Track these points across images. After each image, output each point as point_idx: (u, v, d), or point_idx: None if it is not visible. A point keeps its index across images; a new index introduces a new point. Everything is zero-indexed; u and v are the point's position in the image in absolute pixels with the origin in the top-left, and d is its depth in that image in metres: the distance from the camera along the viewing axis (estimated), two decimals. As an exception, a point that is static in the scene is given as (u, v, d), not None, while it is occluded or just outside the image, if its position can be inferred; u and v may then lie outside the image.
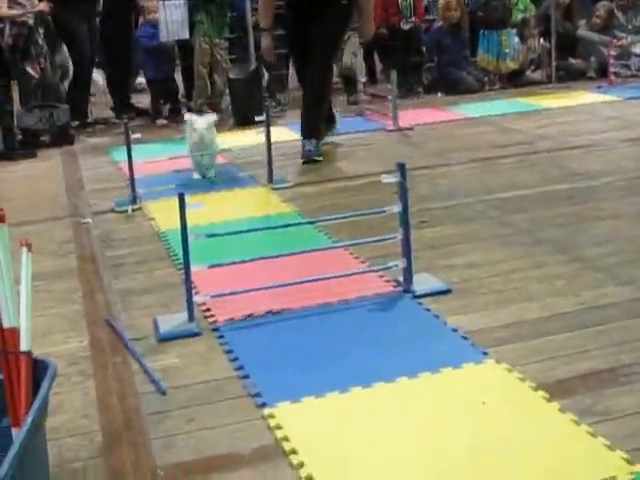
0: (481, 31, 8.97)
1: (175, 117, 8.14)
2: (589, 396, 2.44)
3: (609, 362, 2.64)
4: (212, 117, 5.51)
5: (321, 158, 5.82)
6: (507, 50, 8.86)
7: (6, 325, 2.03)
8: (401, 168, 3.15)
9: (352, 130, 6.94)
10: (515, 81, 8.94)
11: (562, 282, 3.33)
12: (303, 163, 5.78)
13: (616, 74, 8.64)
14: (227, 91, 8.05)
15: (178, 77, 8.49)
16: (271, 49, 6.16)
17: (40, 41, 7.33)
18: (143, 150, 5.81)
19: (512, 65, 8.91)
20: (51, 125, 7.25)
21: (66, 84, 8.05)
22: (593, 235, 3.87)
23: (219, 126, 7.59)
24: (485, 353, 2.74)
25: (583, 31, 9.19)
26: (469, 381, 2.58)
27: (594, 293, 3.20)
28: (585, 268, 3.47)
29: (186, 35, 7.94)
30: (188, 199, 3.04)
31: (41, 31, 7.34)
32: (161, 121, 8.02)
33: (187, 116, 5.61)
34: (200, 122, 5.31)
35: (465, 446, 2.22)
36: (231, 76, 7.82)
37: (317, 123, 5.94)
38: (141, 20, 8.37)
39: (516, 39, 8.93)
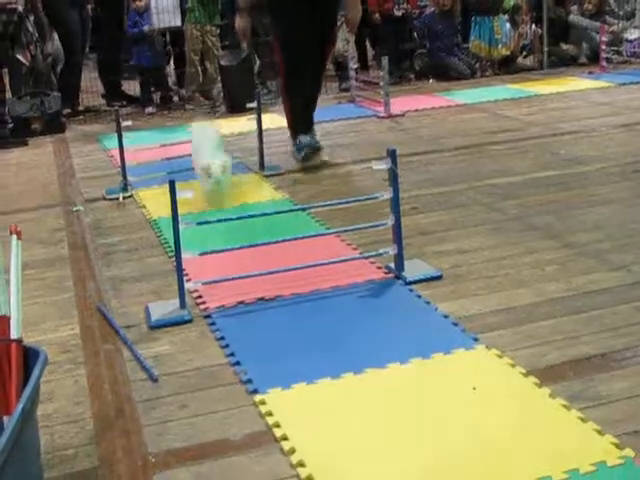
0: (473, 17, 8.96)
1: (166, 105, 8.14)
2: (580, 381, 2.45)
3: (600, 347, 2.65)
4: (228, 160, 4.61)
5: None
6: (499, 36, 8.85)
7: (-4, 313, 2.03)
8: (392, 154, 3.15)
9: (343, 117, 6.95)
10: (507, 67, 8.94)
11: (553, 268, 3.34)
12: (304, 159, 5.33)
13: (608, 60, 8.64)
14: (219, 78, 8.03)
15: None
16: (248, 31, 5.75)
17: (30, 28, 7.29)
18: (134, 138, 5.81)
19: (504, 51, 8.90)
20: (42, 113, 7.22)
21: (58, 71, 8.03)
22: (584, 221, 3.87)
23: (209, 114, 7.65)
24: (476, 339, 2.74)
25: (575, 17, 9.19)
26: (460, 367, 2.59)
27: (585, 279, 3.20)
28: (576, 254, 3.47)
29: (177, 22, 7.92)
30: (179, 186, 3.04)
31: (31, 18, 7.31)
32: (149, 109, 8.00)
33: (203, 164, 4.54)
34: (216, 168, 4.46)
35: (455, 431, 2.23)
36: (222, 63, 7.80)
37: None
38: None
39: (508, 25, 8.93)
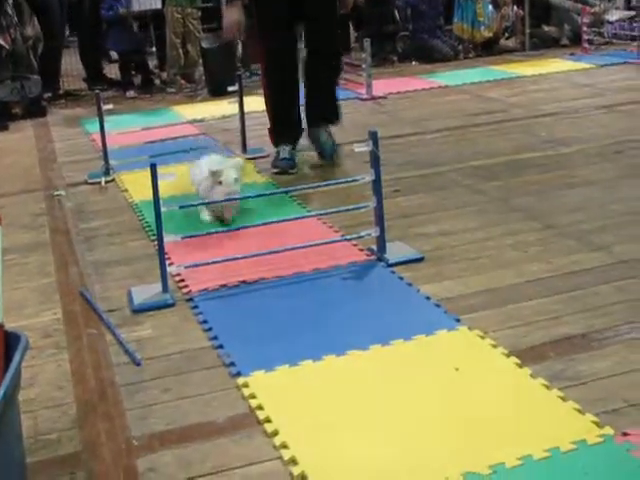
0: (457, 0, 8.95)
1: (147, 88, 8.09)
2: (560, 361, 2.46)
3: (581, 327, 2.67)
4: (239, 162, 3.94)
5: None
6: (482, 19, 8.85)
7: (-23, 298, 2.02)
8: (373, 137, 3.15)
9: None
10: (489, 49, 8.94)
11: (535, 249, 3.36)
12: (277, 173, 4.70)
13: (589, 42, 8.66)
14: (200, 61, 8.00)
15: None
16: (241, 26, 4.69)
17: (10, 11, 7.23)
18: (116, 121, 5.78)
19: (487, 34, 8.90)
20: (23, 97, 7.17)
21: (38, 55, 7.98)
22: (566, 202, 3.89)
23: (192, 97, 7.62)
24: (458, 320, 2.76)
25: (557, -2, 9.19)
26: (442, 348, 2.60)
27: (566, 259, 3.22)
28: (558, 235, 3.49)
29: (158, 4, 7.88)
30: (161, 170, 3.03)
31: (10, 1, 7.24)
32: (130, 92, 7.96)
33: (207, 163, 3.94)
34: (228, 176, 3.73)
35: (437, 412, 2.24)
36: (204, 46, 7.77)
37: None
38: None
39: (490, 7, 8.93)
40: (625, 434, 2.07)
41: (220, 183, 3.68)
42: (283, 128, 4.81)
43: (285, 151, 4.74)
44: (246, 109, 5.22)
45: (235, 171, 3.74)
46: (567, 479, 1.94)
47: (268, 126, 4.91)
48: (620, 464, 1.99)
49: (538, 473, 1.97)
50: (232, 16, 4.62)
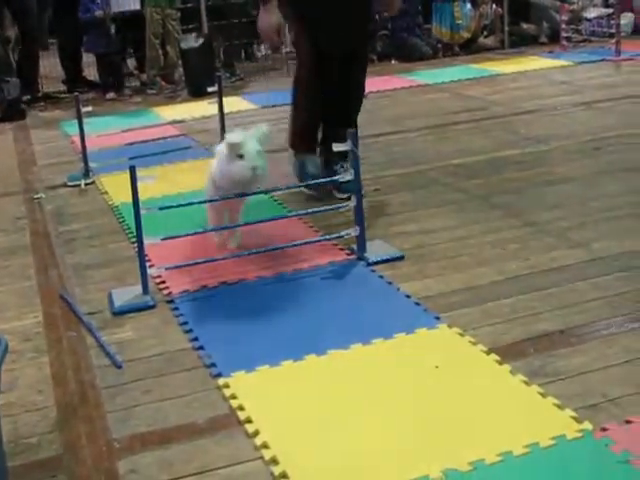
0: (434, 4, 8.97)
1: (122, 91, 8.05)
2: (539, 358, 2.48)
3: (559, 324, 2.69)
4: (262, 131, 3.24)
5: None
6: (460, 22, 8.88)
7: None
8: (352, 136, 3.16)
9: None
10: (468, 47, 8.97)
11: (514, 246, 3.37)
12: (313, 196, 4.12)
13: (568, 39, 8.71)
14: (180, 62, 7.99)
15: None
16: (278, 27, 4.11)
17: (-12, 14, 7.20)
18: (95, 123, 5.77)
19: (466, 35, 8.95)
20: (2, 99, 7.14)
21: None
22: (545, 199, 3.91)
23: (172, 98, 7.61)
24: (438, 318, 2.77)
25: (535, -4, 9.24)
26: (422, 346, 2.61)
27: (545, 257, 3.24)
28: (537, 232, 3.51)
29: (137, 6, 7.86)
30: (140, 172, 3.03)
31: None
32: (110, 94, 7.93)
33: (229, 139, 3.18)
34: (250, 148, 3.12)
35: (418, 409, 2.25)
36: (183, 46, 7.75)
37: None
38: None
39: (468, 6, 8.96)
40: (604, 429, 2.09)
41: (241, 157, 3.09)
42: (313, 134, 4.30)
43: (312, 163, 4.20)
44: (226, 109, 5.20)
45: (258, 142, 3.13)
46: (546, 475, 1.96)
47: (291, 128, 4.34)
48: (599, 459, 2.00)
49: (518, 469, 1.98)
50: (269, 19, 4.05)
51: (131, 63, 8.80)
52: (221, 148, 3.26)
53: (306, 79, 4.15)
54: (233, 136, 3.13)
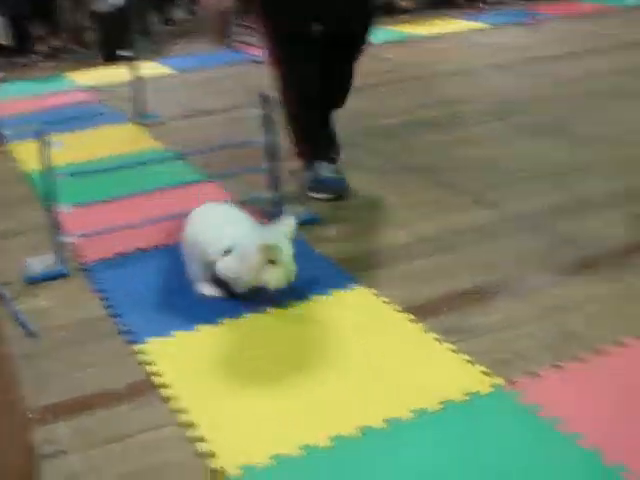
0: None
1: (31, 55, 7.86)
2: (453, 316, 2.53)
3: (472, 282, 2.74)
4: (290, 228, 2.66)
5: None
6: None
7: None
8: (265, 99, 3.15)
9: (220, 63, 6.87)
10: (385, 10, 8.96)
11: (428, 208, 3.41)
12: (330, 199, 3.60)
13: (484, 1, 8.77)
14: (93, 26, 7.82)
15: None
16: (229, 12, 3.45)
17: None
18: (7, 89, 5.63)
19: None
20: None
21: None
22: (459, 160, 3.96)
23: (85, 62, 7.46)
24: (353, 279, 2.80)
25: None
26: (337, 307, 2.64)
27: (459, 217, 3.29)
28: (451, 193, 3.56)
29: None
30: (52, 138, 2.97)
31: None
32: (22, 59, 7.73)
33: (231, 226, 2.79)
34: (284, 253, 2.60)
35: (333, 368, 2.28)
36: (95, 9, 7.59)
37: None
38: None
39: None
40: (513, 383, 2.15)
41: (273, 262, 2.62)
42: (317, 144, 3.77)
43: (329, 169, 3.68)
44: (143, 75, 5.14)
45: (290, 243, 2.65)
46: (460, 429, 2.00)
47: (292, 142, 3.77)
48: (509, 412, 2.06)
49: (432, 425, 2.02)
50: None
51: (43, 29, 8.57)
52: (246, 248, 2.63)
53: (288, 78, 3.65)
54: (267, 236, 2.61)
